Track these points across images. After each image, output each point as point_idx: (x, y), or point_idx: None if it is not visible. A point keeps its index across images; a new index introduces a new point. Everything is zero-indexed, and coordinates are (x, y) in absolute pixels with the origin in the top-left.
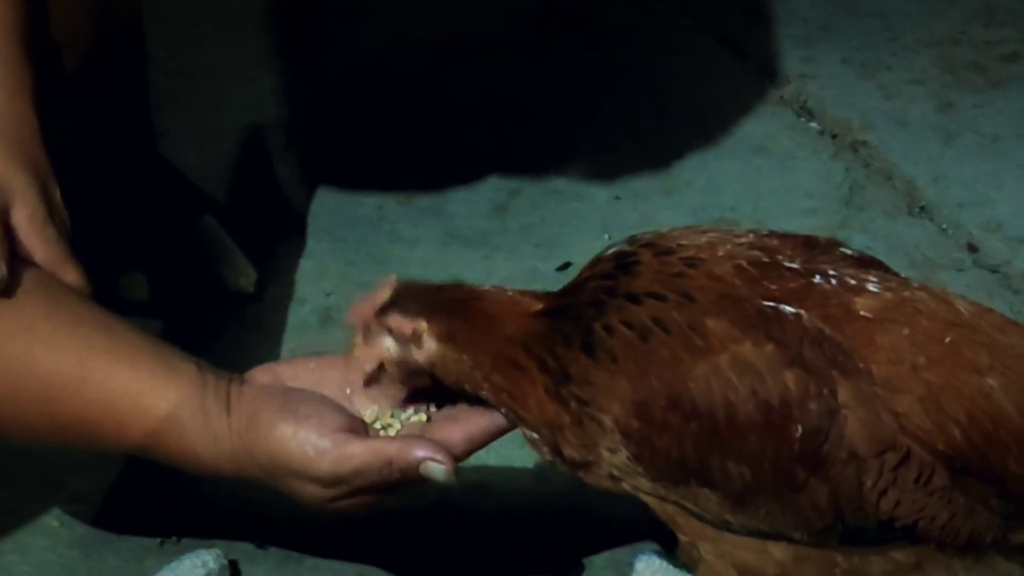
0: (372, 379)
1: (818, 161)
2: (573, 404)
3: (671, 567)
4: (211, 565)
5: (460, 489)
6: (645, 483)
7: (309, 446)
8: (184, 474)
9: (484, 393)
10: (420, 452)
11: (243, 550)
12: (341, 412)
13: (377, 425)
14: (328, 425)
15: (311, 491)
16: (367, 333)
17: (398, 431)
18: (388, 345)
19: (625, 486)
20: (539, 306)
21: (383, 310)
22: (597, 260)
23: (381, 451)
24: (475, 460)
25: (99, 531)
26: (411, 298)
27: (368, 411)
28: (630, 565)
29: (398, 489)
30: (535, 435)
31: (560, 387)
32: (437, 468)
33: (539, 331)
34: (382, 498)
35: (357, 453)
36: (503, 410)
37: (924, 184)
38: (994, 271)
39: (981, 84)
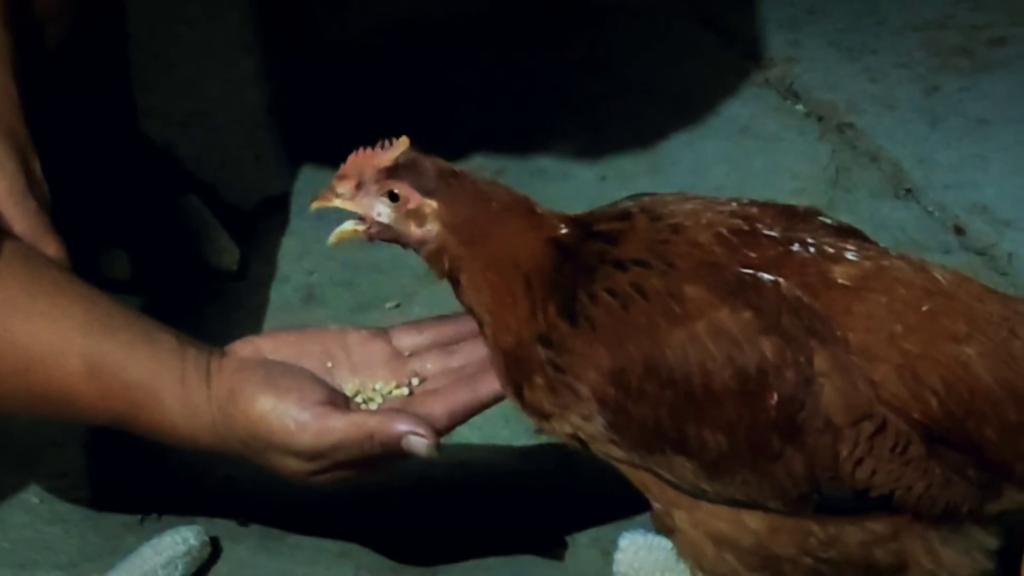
0: (343, 237)
1: (804, 143)
2: (549, 369)
3: (655, 544)
4: (192, 542)
5: (443, 466)
6: (618, 451)
7: (290, 419)
8: (165, 451)
9: (461, 297)
10: (402, 426)
11: (224, 527)
12: (322, 385)
13: (358, 399)
14: (309, 398)
15: (292, 465)
16: (359, 188)
17: (379, 405)
18: (380, 209)
19: (593, 449)
20: (561, 231)
21: (391, 172)
22: (603, 215)
23: (362, 425)
24: (459, 437)
25: (79, 508)
26: (426, 172)
27: (349, 385)
28: (614, 543)
29: (380, 463)
30: (501, 366)
31: (539, 345)
32: (419, 442)
33: (547, 268)
34: (364, 472)
35: (338, 426)
36: (475, 319)
37: (910, 166)
38: (980, 253)
39: (967, 67)
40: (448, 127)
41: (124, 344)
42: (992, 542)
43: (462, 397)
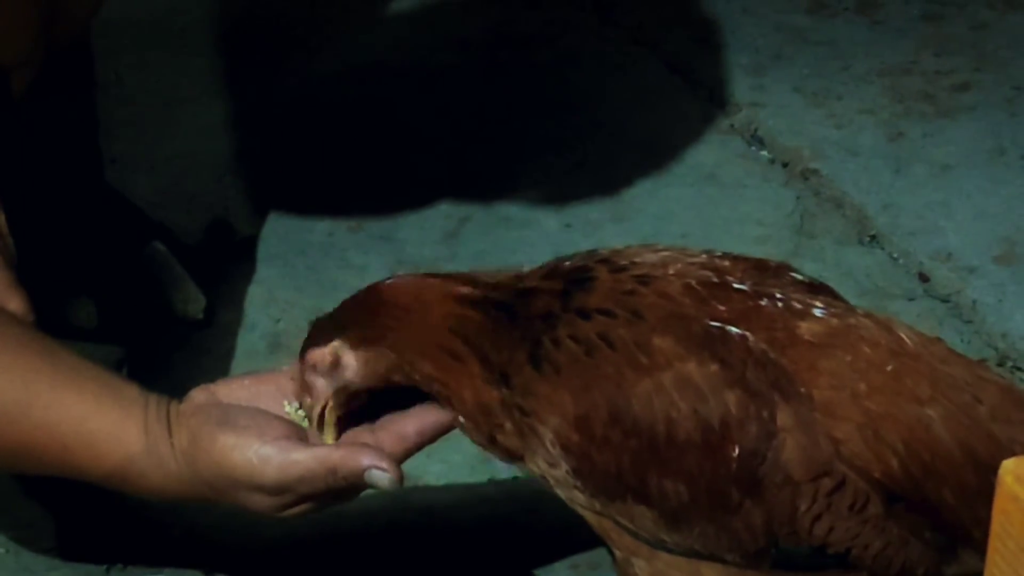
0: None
1: (769, 189)
2: (516, 414)
3: None
4: None
5: (411, 510)
6: (581, 497)
7: (252, 454)
8: (131, 501)
9: (419, 383)
10: (365, 460)
11: None
12: (281, 421)
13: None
14: (269, 433)
15: (259, 501)
16: (306, 389)
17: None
18: (323, 385)
19: (560, 494)
20: (466, 290)
21: (301, 354)
22: (552, 271)
23: (326, 459)
24: (427, 477)
25: (45, 558)
26: (319, 326)
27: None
28: (592, 568)
29: (344, 495)
30: (469, 424)
31: (501, 389)
32: (381, 476)
33: (479, 323)
34: (330, 503)
35: (301, 459)
36: (438, 399)
37: (875, 213)
38: (945, 300)
39: (931, 113)
40: (413, 174)
41: (90, 396)
42: None
43: (423, 419)
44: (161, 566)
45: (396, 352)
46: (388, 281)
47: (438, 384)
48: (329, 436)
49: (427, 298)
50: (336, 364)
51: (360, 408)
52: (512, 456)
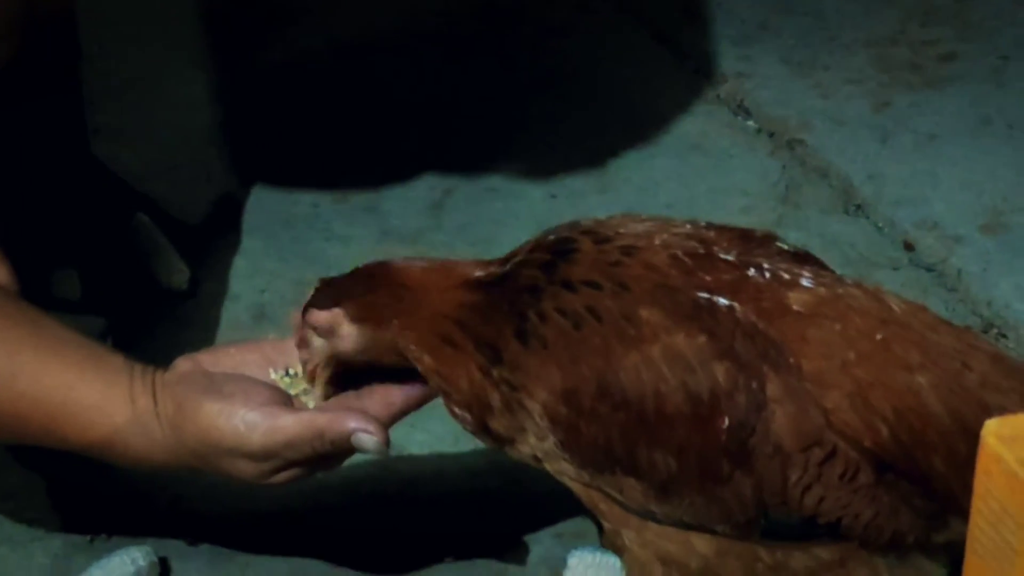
0: (327, 379)
1: (755, 159)
2: (504, 388)
3: (604, 563)
4: (140, 562)
5: (393, 483)
6: (570, 469)
7: (238, 420)
8: (114, 471)
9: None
10: (351, 423)
11: (174, 547)
12: (267, 387)
13: (285, 384)
14: (255, 399)
15: (245, 467)
16: (303, 343)
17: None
18: (319, 345)
19: (548, 467)
20: (476, 273)
21: (304, 312)
22: (537, 244)
23: (312, 423)
24: (405, 450)
25: (28, 528)
26: (325, 290)
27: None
28: (563, 561)
29: (332, 460)
30: (464, 413)
31: (493, 368)
32: (368, 439)
33: (476, 305)
34: (317, 469)
35: (288, 425)
36: (432, 384)
37: (860, 182)
38: (930, 269)
39: (918, 83)
40: (398, 146)
41: (74, 366)
42: (939, 571)
43: (411, 385)
44: (145, 536)
45: (396, 335)
46: (399, 262)
47: (436, 376)
48: (318, 391)
49: (434, 285)
50: (335, 331)
51: (348, 374)
52: (503, 442)
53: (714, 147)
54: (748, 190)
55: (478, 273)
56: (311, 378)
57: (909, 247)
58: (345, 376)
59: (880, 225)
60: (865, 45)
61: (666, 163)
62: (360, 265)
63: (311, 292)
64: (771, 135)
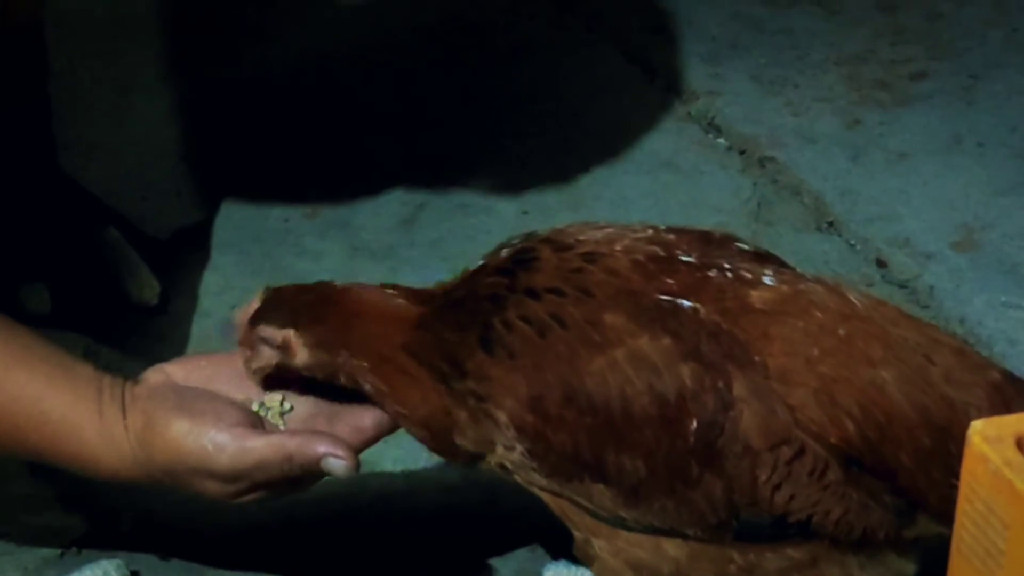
0: (269, 384)
1: (726, 177)
2: (471, 400)
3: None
4: (112, 575)
5: (366, 499)
6: (539, 479)
7: (207, 441)
8: (86, 484)
9: (367, 394)
10: (321, 447)
11: (145, 561)
12: (237, 407)
13: (261, 411)
14: (225, 420)
15: (212, 487)
16: (250, 345)
17: (274, 415)
18: (268, 355)
19: (518, 479)
20: (420, 310)
21: (254, 321)
22: (493, 255)
23: (282, 446)
24: (381, 470)
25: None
26: (278, 305)
27: (255, 404)
28: (538, 574)
29: (300, 483)
30: (423, 432)
31: (455, 384)
32: (338, 464)
33: (426, 338)
34: (286, 491)
35: (257, 447)
36: (388, 410)
37: (832, 200)
38: (903, 286)
39: (888, 101)
40: (369, 161)
41: (42, 376)
42: (909, 567)
43: (380, 412)
44: (116, 549)
45: (348, 361)
46: (354, 288)
47: (390, 400)
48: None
49: (388, 315)
50: (287, 349)
51: (315, 392)
52: (472, 459)
53: (685, 164)
54: (720, 207)
55: (423, 309)
56: (255, 376)
57: (882, 264)
58: (316, 386)
59: (852, 242)
60: (836, 63)
61: (638, 180)
62: (310, 285)
63: (260, 299)
64: (742, 153)
